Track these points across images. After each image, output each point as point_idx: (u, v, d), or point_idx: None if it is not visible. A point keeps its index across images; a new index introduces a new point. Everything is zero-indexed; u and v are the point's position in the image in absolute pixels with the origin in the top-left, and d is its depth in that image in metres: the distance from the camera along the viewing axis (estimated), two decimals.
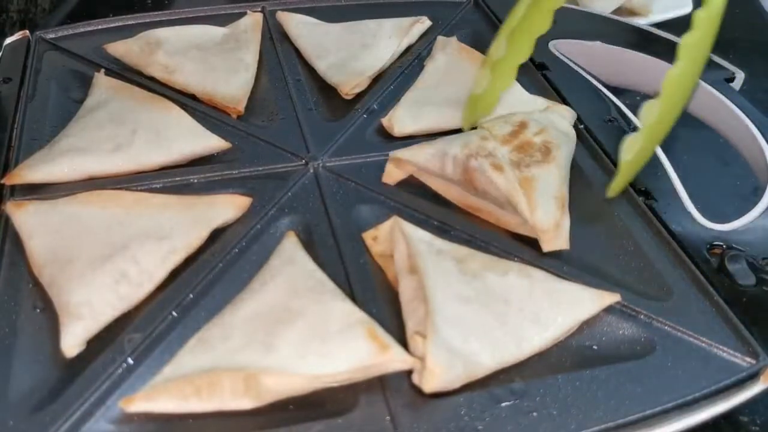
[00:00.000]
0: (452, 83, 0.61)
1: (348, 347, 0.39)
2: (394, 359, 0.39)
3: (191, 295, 0.45)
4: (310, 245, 0.48)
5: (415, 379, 0.40)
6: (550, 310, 0.42)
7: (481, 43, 0.66)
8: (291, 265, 0.45)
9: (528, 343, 0.41)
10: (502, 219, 0.50)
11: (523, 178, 0.49)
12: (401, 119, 0.58)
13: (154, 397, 0.38)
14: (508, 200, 0.49)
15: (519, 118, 0.54)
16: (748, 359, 0.42)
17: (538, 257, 0.48)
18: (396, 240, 0.46)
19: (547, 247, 0.48)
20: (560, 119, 0.56)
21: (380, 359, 0.39)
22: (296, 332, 0.39)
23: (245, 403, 0.38)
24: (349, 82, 0.61)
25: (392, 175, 0.53)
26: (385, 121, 0.58)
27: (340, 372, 0.38)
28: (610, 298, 0.44)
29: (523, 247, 0.48)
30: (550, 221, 0.48)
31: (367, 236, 0.48)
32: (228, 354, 0.39)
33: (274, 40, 0.69)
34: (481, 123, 0.55)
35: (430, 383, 0.38)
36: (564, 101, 0.61)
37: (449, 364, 0.39)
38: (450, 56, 0.64)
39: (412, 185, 0.53)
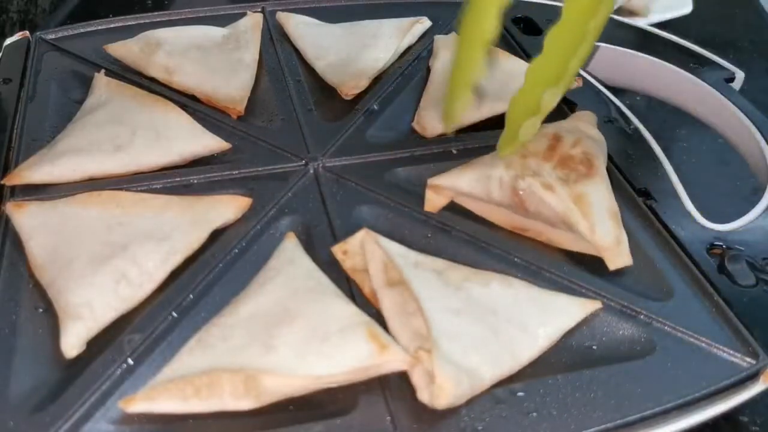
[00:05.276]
0: None
1: (348, 347, 0.39)
2: (395, 359, 0.39)
3: (191, 296, 0.45)
4: (310, 246, 0.48)
5: (423, 397, 0.39)
6: (537, 319, 0.42)
7: None
8: (291, 265, 0.45)
9: (521, 354, 0.41)
10: (554, 238, 0.49)
11: (575, 196, 0.47)
12: (431, 120, 0.58)
13: (154, 398, 0.38)
14: (562, 219, 0.47)
15: (550, 130, 0.51)
16: (748, 359, 0.42)
17: (538, 258, 0.48)
18: (370, 253, 0.44)
19: (612, 265, 0.46)
20: (587, 126, 0.54)
21: (380, 359, 0.39)
22: (296, 333, 0.39)
23: (245, 404, 0.38)
24: (349, 82, 0.61)
25: (433, 202, 0.50)
26: (415, 124, 0.58)
27: (340, 372, 0.38)
28: (592, 305, 0.44)
29: (523, 248, 0.48)
30: (612, 238, 0.46)
31: (337, 250, 0.46)
32: (228, 354, 0.39)
33: (274, 40, 0.69)
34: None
35: (440, 400, 0.37)
36: (564, 100, 0.60)
37: (457, 380, 0.38)
38: (453, 51, 0.64)
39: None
